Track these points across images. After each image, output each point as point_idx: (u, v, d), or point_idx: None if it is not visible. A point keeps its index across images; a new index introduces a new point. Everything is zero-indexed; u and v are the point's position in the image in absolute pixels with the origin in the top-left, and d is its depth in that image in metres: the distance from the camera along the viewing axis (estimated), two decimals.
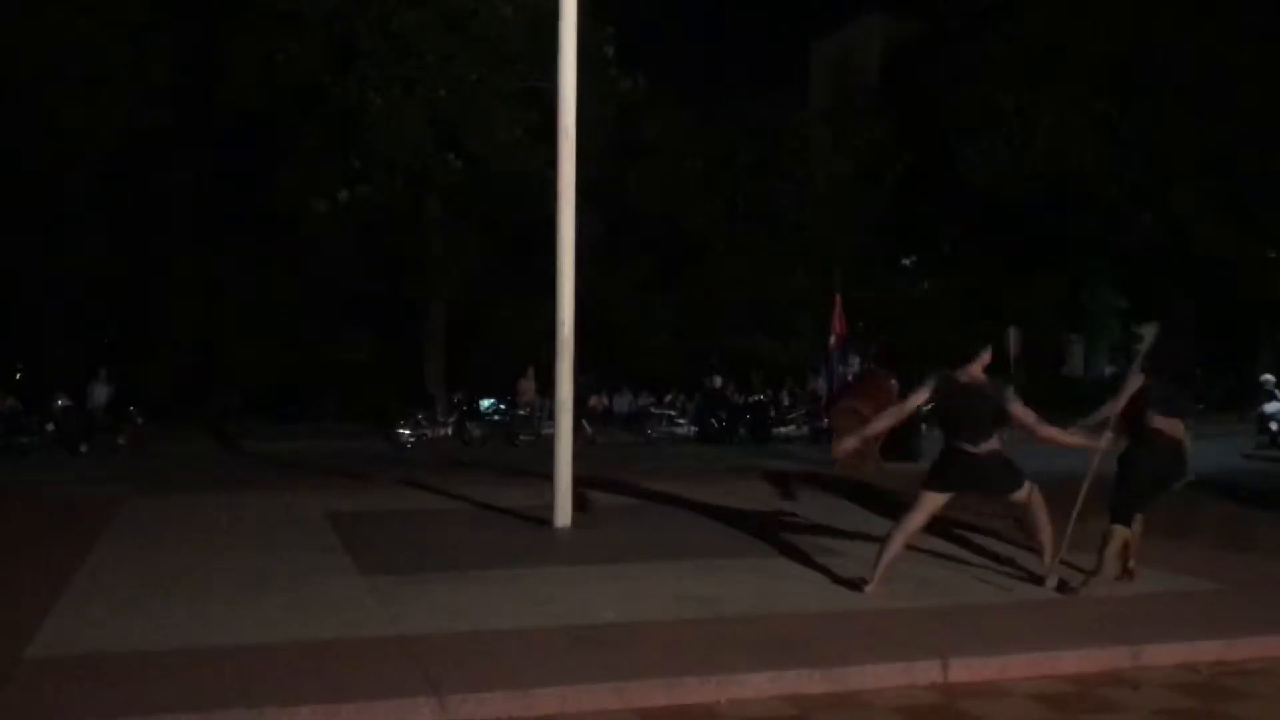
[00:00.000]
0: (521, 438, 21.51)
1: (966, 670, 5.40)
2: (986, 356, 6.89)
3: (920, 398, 6.82)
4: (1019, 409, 6.89)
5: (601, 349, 26.07)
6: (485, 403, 24.44)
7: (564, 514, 9.49)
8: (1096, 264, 35.27)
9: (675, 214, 29.02)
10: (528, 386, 22.27)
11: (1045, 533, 6.92)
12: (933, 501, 6.75)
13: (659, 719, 4.78)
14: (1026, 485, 6.85)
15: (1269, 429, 21.15)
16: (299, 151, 23.11)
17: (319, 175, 22.90)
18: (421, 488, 12.60)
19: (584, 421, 21.93)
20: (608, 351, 27.09)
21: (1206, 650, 5.85)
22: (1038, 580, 7.06)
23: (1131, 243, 31.43)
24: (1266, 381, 22.90)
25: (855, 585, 6.66)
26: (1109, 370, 50.58)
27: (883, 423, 7.03)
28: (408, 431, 21.55)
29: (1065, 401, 32.33)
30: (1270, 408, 21.67)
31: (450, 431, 22.42)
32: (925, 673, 5.35)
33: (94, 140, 22.98)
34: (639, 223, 28.85)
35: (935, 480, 6.82)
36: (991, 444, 6.70)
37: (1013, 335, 25.14)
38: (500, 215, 23.92)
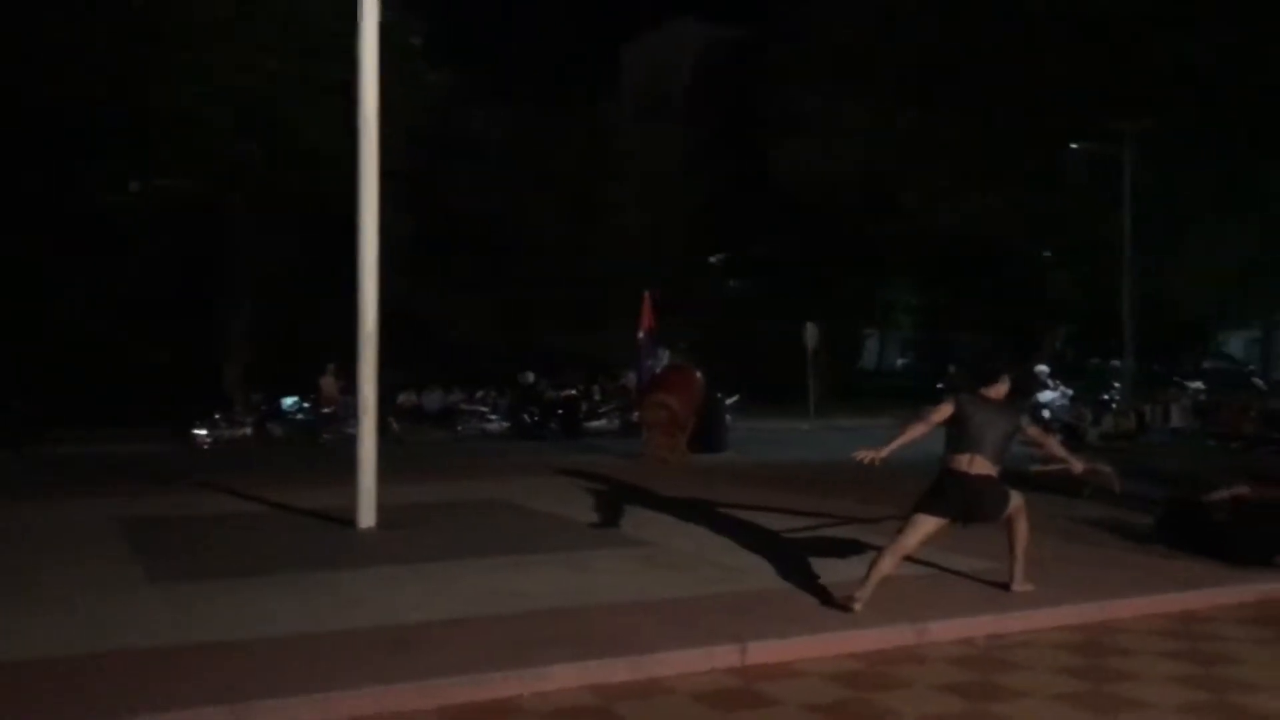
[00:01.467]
0: (325, 437, 20.97)
1: (764, 653, 5.59)
2: (1007, 382, 6.81)
3: (944, 413, 6.70)
4: (1034, 430, 6.97)
5: (411, 345, 25.63)
6: (288, 401, 23.63)
7: (368, 514, 9.30)
8: (895, 264, 37.00)
9: (488, 210, 28.81)
10: (330, 384, 21.72)
11: (1022, 544, 6.85)
12: (925, 524, 6.49)
13: (463, 716, 4.77)
14: (1014, 498, 6.77)
15: (1042, 416, 22.64)
16: (93, 143, 21.79)
17: (114, 168, 21.66)
18: (219, 490, 12.13)
19: (391, 419, 21.52)
20: (418, 348, 26.64)
21: (984, 625, 6.25)
22: (1004, 586, 6.96)
23: (926, 244, 33.12)
24: (1041, 372, 24.50)
25: (844, 606, 6.25)
26: (900, 362, 53.20)
27: (911, 434, 6.60)
28: (205, 433, 20.68)
29: (860, 392, 33.91)
30: (1045, 396, 23.18)
31: (250, 432, 21.64)
32: (724, 657, 5.52)
33: None
34: (451, 218, 28.50)
35: (930, 503, 6.58)
36: (989, 468, 6.54)
37: (810, 330, 26.08)
38: (305, 209, 23.19)
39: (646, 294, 18.95)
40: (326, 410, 21.91)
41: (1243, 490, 8.73)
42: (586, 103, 32.95)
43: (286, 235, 24.43)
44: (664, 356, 20.72)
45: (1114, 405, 23.08)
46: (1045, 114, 29.10)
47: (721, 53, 39.89)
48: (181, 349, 26.82)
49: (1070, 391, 24.29)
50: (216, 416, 21.70)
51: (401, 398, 24.77)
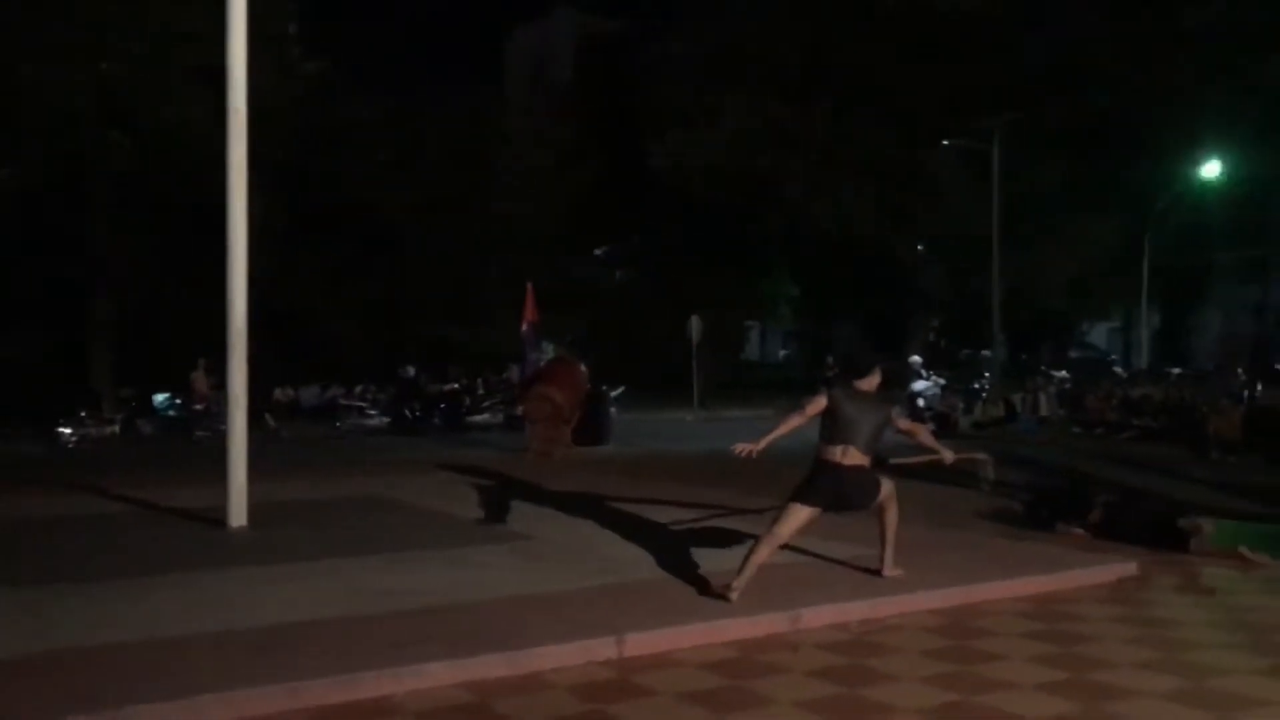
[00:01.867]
0: (198, 434, 20.36)
1: (641, 644, 5.62)
2: (879, 374, 6.87)
3: (818, 406, 6.74)
4: (904, 422, 7.01)
5: (288, 340, 25.05)
6: (159, 398, 22.88)
7: (239, 513, 9.05)
8: (774, 256, 37.59)
9: (366, 201, 28.25)
10: (202, 380, 21.08)
11: (892, 530, 6.95)
12: (799, 514, 6.53)
13: (336, 717, 4.67)
14: (885, 486, 6.85)
15: (916, 405, 23.29)
16: None
17: None
18: (83, 490, 11.67)
19: (267, 415, 21.02)
20: (294, 342, 26.03)
21: (856, 610, 6.38)
22: (875, 572, 7.08)
23: (804, 238, 33.73)
24: (914, 362, 25.24)
25: (721, 596, 6.27)
26: (782, 353, 54.10)
27: (787, 426, 6.59)
28: (70, 431, 19.88)
29: (743, 383, 34.33)
30: (918, 386, 23.89)
31: (119, 430, 20.88)
32: (602, 649, 5.52)
33: None
34: (329, 210, 27.88)
35: (804, 493, 6.62)
36: (860, 459, 6.61)
37: (694, 323, 26.33)
38: (174, 198, 22.40)
39: (529, 286, 18.87)
40: (198, 407, 21.28)
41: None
42: (468, 92, 32.57)
43: (154, 225, 23.56)
44: (548, 349, 20.69)
45: (984, 394, 23.89)
46: (916, 111, 29.90)
47: (601, 44, 39.88)
48: (44, 344, 25.70)
49: (943, 381, 25.10)
50: (83, 414, 20.87)
51: (278, 393, 24.20)
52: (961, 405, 22.19)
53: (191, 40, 20.58)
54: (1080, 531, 9.04)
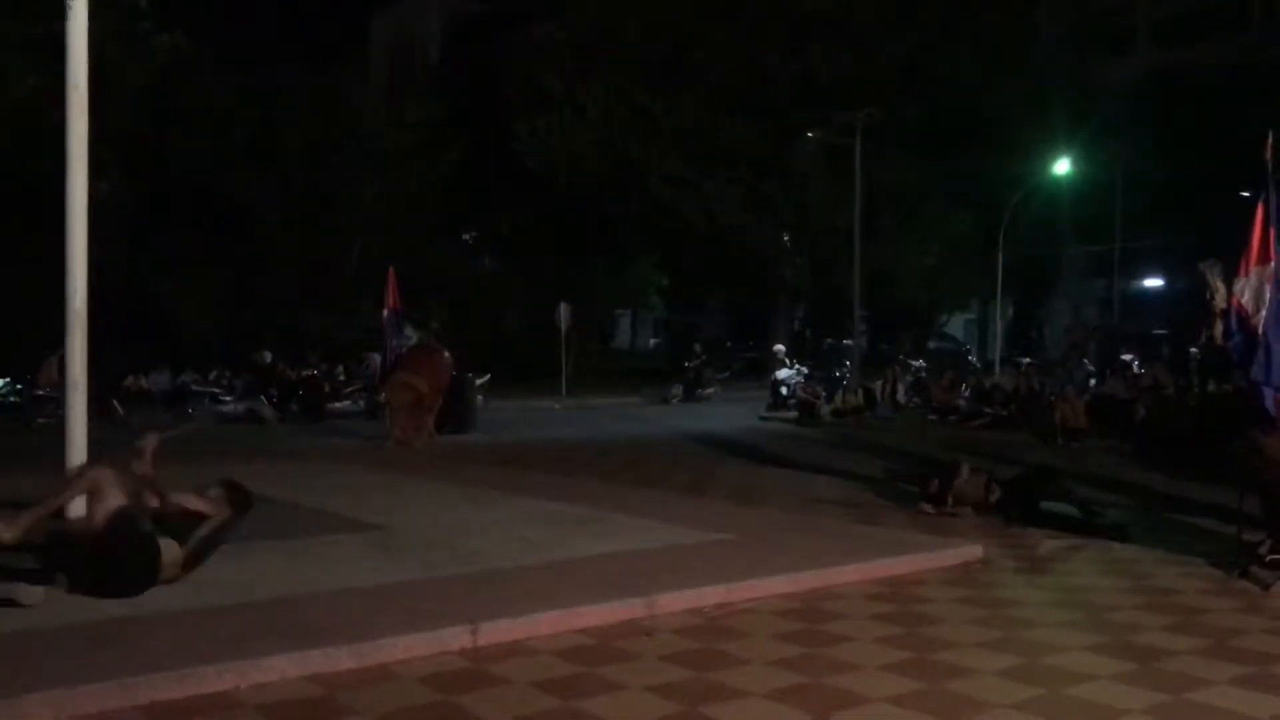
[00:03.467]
0: (40, 421, 19.39)
1: (495, 633, 5.56)
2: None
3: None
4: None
5: (138, 325, 24.06)
6: None
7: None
8: (642, 244, 37.77)
9: (221, 182, 27.29)
10: (53, 368, 20.05)
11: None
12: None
13: (171, 713, 4.49)
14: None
15: (780, 393, 23.73)
16: None
17: None
18: None
19: (115, 403, 20.16)
20: (145, 327, 25.01)
21: (711, 595, 6.43)
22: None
23: (670, 227, 33.97)
24: (779, 351, 25.70)
25: None
26: (653, 342, 54.44)
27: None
28: None
29: (613, 371, 34.42)
30: (781, 374, 24.35)
31: None
32: (455, 639, 5.44)
33: None
34: (181, 190, 26.83)
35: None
36: None
37: (563, 310, 26.28)
38: (11, 177, 21.22)
39: (391, 270, 18.50)
40: (41, 392, 20.27)
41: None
42: (331, 73, 31.75)
43: None
44: (411, 336, 20.32)
45: (845, 383, 24.43)
46: (780, 104, 30.40)
47: (469, 27, 39.40)
48: None
49: (806, 370, 25.59)
50: None
51: (129, 380, 23.22)
52: (823, 393, 22.66)
53: (28, 8, 19.52)
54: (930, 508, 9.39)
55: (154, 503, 6.48)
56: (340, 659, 5.09)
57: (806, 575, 6.91)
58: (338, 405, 22.97)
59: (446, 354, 17.31)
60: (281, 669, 4.93)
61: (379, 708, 4.60)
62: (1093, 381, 23.45)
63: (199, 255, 28.06)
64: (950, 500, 9.41)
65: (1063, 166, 31.61)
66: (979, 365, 32.70)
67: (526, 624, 5.71)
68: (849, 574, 7.07)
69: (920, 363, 28.47)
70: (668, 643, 5.62)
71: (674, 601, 6.24)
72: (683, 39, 31.02)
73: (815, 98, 30.13)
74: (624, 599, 6.15)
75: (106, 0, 9.70)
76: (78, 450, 8.64)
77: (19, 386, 21.19)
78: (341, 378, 24.39)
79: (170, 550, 6.14)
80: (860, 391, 22.87)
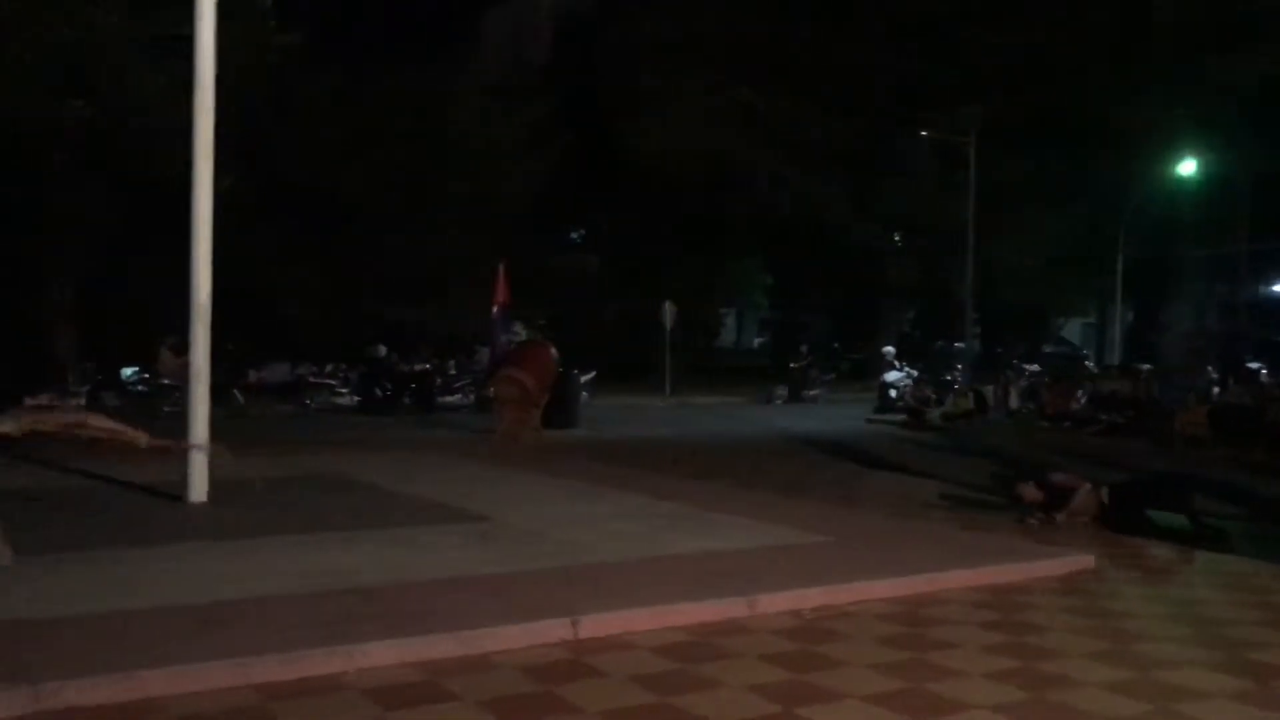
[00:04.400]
0: (165, 409, 20.18)
1: (594, 626, 5.60)
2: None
3: None
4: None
5: (255, 317, 24.81)
6: (127, 371, 22.69)
7: (199, 489, 9.00)
8: (747, 243, 37.60)
9: (334, 179, 27.96)
10: (169, 355, 20.88)
11: None
12: None
13: (282, 694, 4.63)
14: None
15: (888, 395, 23.38)
16: None
17: None
18: (45, 464, 11.54)
19: (235, 392, 20.87)
20: (262, 319, 25.80)
21: (812, 597, 6.38)
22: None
23: (775, 225, 33.73)
24: (888, 353, 25.32)
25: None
26: (757, 341, 54.18)
27: None
28: (35, 402, 19.65)
29: (716, 370, 34.37)
30: (890, 376, 23.98)
31: (84, 403, 20.67)
32: (555, 631, 5.50)
33: None
34: (296, 187, 27.58)
35: None
36: None
37: (668, 308, 26.34)
38: (140, 171, 22.10)
39: (501, 268, 18.79)
40: (166, 381, 21.10)
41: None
42: (442, 69, 32.27)
43: (117, 198, 23.24)
44: (519, 332, 20.63)
45: (955, 386, 23.99)
46: (888, 100, 29.92)
47: (580, 24, 39.65)
48: (7, 317, 25.36)
49: (915, 372, 25.17)
50: (49, 388, 20.66)
51: (252, 374, 24.03)
52: (933, 396, 22.29)
53: (160, 8, 20.27)
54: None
55: None
56: (444, 646, 5.20)
57: (910, 580, 6.81)
58: (448, 399, 23.41)
59: (553, 350, 17.50)
60: (386, 655, 5.05)
61: (480, 695, 4.68)
62: (1215, 390, 22.58)
63: (314, 250, 28.82)
64: (1062, 515, 9.14)
65: (1188, 167, 30.51)
66: (1097, 371, 31.74)
67: (626, 618, 5.75)
68: (954, 580, 6.95)
69: (1034, 367, 27.78)
70: (767, 643, 5.60)
71: (774, 602, 6.21)
72: (788, 36, 30.76)
73: (924, 95, 29.61)
74: (723, 597, 6.14)
75: (232, 1, 9.97)
76: (199, 436, 8.98)
77: (146, 375, 22.08)
78: (451, 372, 24.83)
79: None
80: (971, 395, 22.43)
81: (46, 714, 4.29)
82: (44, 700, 4.34)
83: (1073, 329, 49.88)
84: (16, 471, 11.11)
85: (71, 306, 24.81)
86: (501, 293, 18.80)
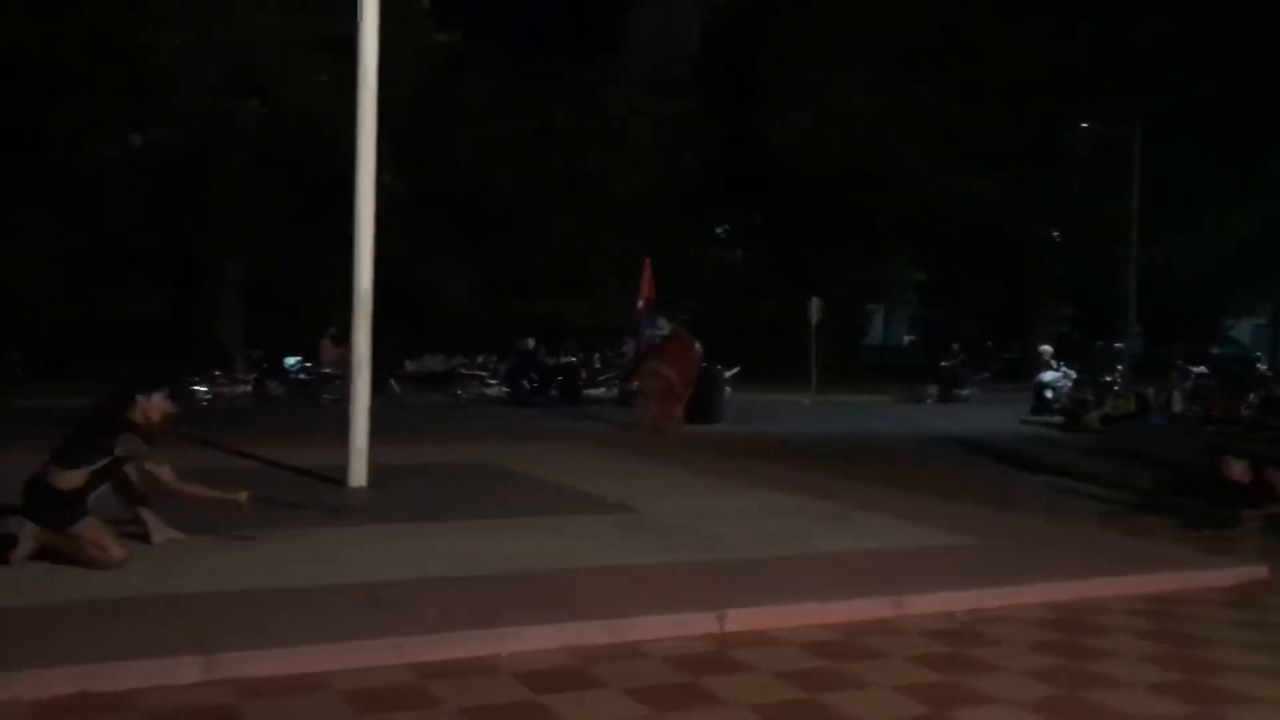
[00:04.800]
0: (325, 397, 21.00)
1: (741, 621, 5.61)
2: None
3: None
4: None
5: (410, 309, 25.61)
6: (290, 361, 23.73)
7: (359, 473, 9.35)
8: (897, 238, 36.89)
9: (485, 174, 28.64)
10: (329, 345, 21.71)
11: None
12: None
13: (437, 673, 4.78)
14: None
15: (1044, 396, 22.61)
16: (86, 94, 21.66)
17: (107, 119, 21.58)
18: (213, 446, 12.15)
19: (392, 381, 21.58)
20: (416, 311, 26.62)
21: (963, 600, 6.25)
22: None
23: (928, 220, 33.00)
24: (1044, 353, 24.48)
25: None
26: (906, 339, 53.17)
27: None
28: (204, 389, 20.75)
29: (863, 367, 33.89)
30: (1046, 377, 23.18)
31: (250, 389, 21.70)
32: (702, 623, 5.53)
33: None
34: (449, 181, 28.35)
35: None
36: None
37: (814, 304, 26.06)
38: (302, 167, 23.10)
39: (647, 262, 18.91)
40: (327, 370, 21.95)
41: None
42: (589, 66, 32.65)
43: (282, 193, 24.32)
44: (664, 326, 20.72)
45: (1116, 388, 23.05)
46: (1047, 91, 28.90)
47: (727, 19, 39.56)
48: (177, 305, 26.82)
49: (1073, 373, 24.27)
50: (216, 373, 21.77)
51: (409, 365, 24.83)
52: (1092, 398, 21.45)
53: (320, 10, 21.11)
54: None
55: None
56: (594, 634, 5.28)
57: (1065, 585, 6.59)
58: (592, 391, 23.72)
59: (697, 345, 17.54)
60: (539, 638, 5.16)
61: (627, 683, 4.74)
62: None
63: (469, 244, 29.58)
64: (1257, 513, 8.67)
65: None
66: (1270, 375, 30.06)
67: (772, 614, 5.74)
68: (1112, 587, 6.70)
69: (1201, 369, 26.48)
70: (916, 644, 5.51)
71: (924, 603, 6.11)
72: (941, 24, 30.04)
73: (1087, 85, 28.51)
74: (871, 596, 6.07)
75: (392, 2, 10.31)
76: (360, 422, 9.33)
77: (308, 364, 23.02)
78: (597, 365, 25.14)
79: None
80: (1133, 397, 21.52)
81: (218, 683, 4.53)
82: (216, 670, 4.58)
83: (1243, 330, 47.38)
84: (189, 453, 11.73)
85: (239, 298, 26.08)
86: (647, 287, 18.91)
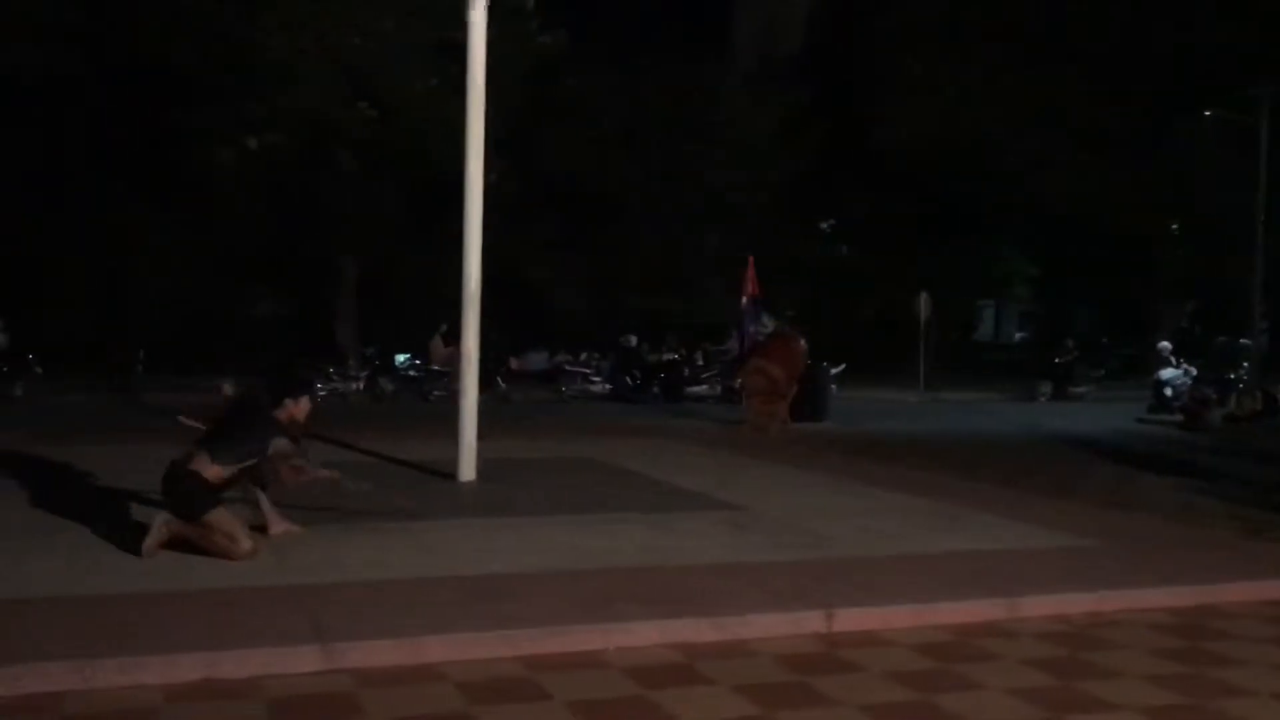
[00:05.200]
0: (435, 393, 21.39)
1: (850, 620, 5.56)
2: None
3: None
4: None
5: (515, 306, 25.95)
6: (400, 358, 24.24)
7: (468, 468, 9.51)
8: (1009, 232, 36.07)
9: (591, 173, 28.84)
10: (441, 344, 22.09)
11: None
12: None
13: (547, 666, 4.84)
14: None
15: (1163, 394, 21.88)
16: (206, 99, 22.46)
17: (226, 123, 22.35)
18: (327, 441, 12.46)
19: (498, 378, 21.88)
20: (522, 309, 26.97)
21: (1080, 603, 6.09)
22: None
23: (1041, 214, 32.18)
24: (1163, 349, 23.65)
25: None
26: (1018, 335, 51.94)
27: None
28: (319, 385, 21.30)
29: (973, 364, 33.22)
30: (1166, 374, 22.41)
31: (362, 386, 22.21)
32: (810, 622, 5.50)
33: None
34: (553, 180, 28.62)
35: None
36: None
37: (923, 300, 25.63)
38: (413, 168, 23.58)
39: (750, 259, 18.83)
40: (436, 368, 22.35)
41: None
42: (694, 61, 32.62)
43: (393, 194, 24.86)
44: (768, 323, 20.59)
45: (1240, 386, 22.20)
46: (1166, 78, 27.89)
47: (834, 13, 39.19)
48: (293, 303, 27.60)
49: (1194, 370, 23.42)
50: (330, 370, 22.34)
51: (513, 362, 25.15)
52: (1214, 396, 20.68)
53: (429, 14, 21.50)
54: None
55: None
56: (702, 630, 5.29)
57: (1188, 589, 6.38)
58: (695, 389, 23.70)
59: (802, 342, 17.38)
60: (646, 634, 5.19)
61: (736, 680, 4.73)
62: None
63: (569, 241, 29.83)
64: None
65: None
66: None
67: (882, 614, 5.67)
68: (1237, 591, 6.45)
69: None
70: (1031, 647, 5.39)
71: (1038, 605, 5.97)
72: (1053, 10, 29.23)
73: (1207, 72, 27.46)
74: (984, 598, 5.95)
75: (498, 3, 10.44)
76: (469, 417, 9.48)
77: (418, 362, 23.48)
78: (699, 362, 25.12)
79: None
80: (1259, 395, 20.70)
81: (336, 672, 4.66)
82: (334, 659, 4.72)
83: None
84: (304, 444, 12.06)
85: (353, 297, 26.74)
86: (751, 284, 18.82)
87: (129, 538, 6.44)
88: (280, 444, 6.55)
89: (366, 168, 24.41)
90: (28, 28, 21.60)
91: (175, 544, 6.31)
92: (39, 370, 20.30)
